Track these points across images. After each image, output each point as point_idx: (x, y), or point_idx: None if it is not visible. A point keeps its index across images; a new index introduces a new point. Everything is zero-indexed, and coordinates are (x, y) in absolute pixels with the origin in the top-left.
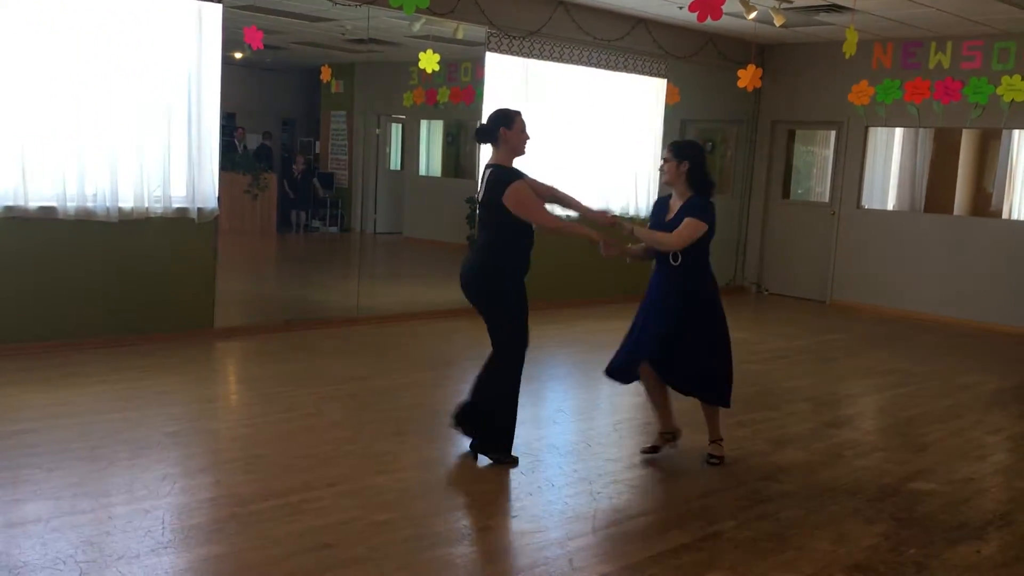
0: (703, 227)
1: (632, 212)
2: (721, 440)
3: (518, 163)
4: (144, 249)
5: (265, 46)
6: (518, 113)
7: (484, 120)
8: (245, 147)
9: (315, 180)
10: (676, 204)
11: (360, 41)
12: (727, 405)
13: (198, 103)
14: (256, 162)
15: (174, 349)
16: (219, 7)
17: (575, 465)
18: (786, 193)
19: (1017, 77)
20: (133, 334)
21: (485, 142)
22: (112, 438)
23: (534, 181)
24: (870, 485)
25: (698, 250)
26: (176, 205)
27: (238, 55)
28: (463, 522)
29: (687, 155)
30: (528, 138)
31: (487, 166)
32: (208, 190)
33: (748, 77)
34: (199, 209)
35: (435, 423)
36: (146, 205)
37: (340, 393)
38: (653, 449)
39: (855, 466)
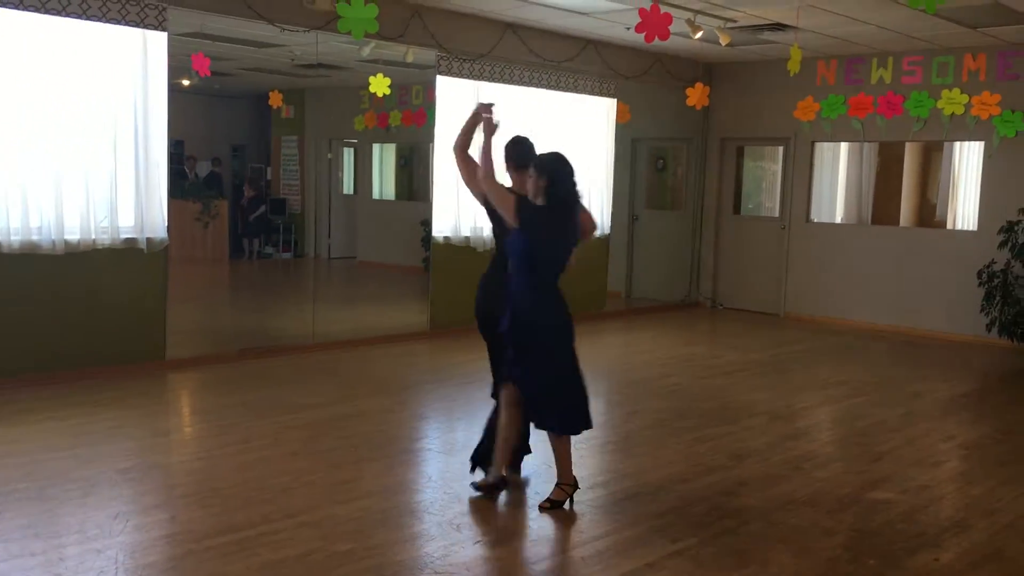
0: (508, 200)
1: None
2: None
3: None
4: (92, 281)
5: (213, 72)
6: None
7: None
8: (196, 174)
9: (264, 207)
10: None
11: (310, 66)
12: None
13: (145, 131)
14: (206, 189)
15: (125, 383)
16: (164, 35)
17: (538, 487)
18: (737, 208)
19: (956, 91)
20: (82, 368)
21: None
22: (62, 476)
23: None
24: (829, 496)
25: (520, 262)
26: (124, 236)
27: (186, 82)
28: (425, 549)
29: (547, 171)
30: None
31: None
32: (157, 219)
33: (696, 95)
34: (148, 239)
35: (394, 449)
36: (93, 236)
37: (297, 422)
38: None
39: (814, 478)
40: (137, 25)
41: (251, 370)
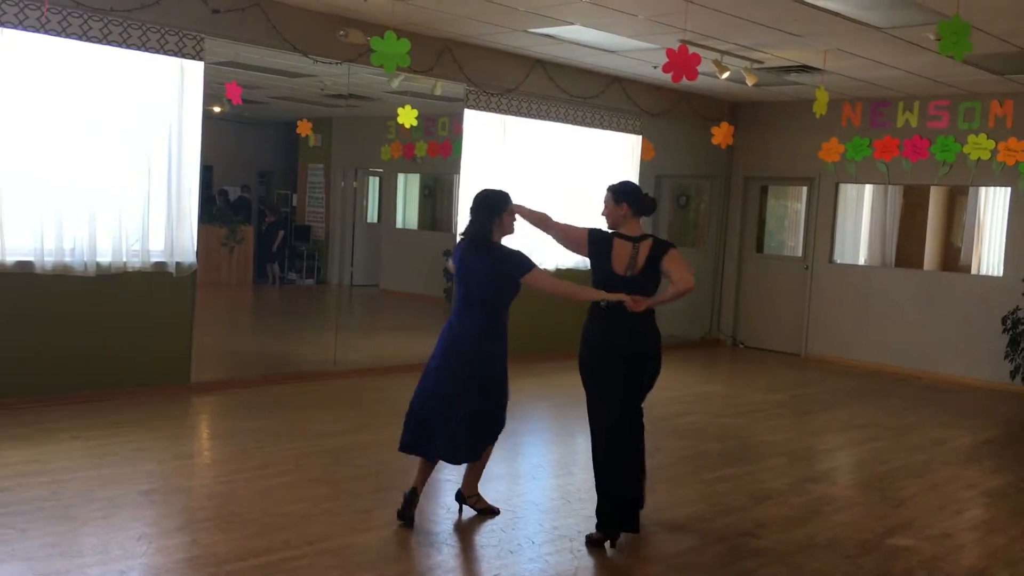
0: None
1: None
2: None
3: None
4: (121, 303)
5: (244, 100)
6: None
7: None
8: (227, 199)
9: (280, 232)
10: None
11: (339, 96)
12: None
13: (179, 158)
14: (234, 214)
15: (150, 404)
16: (201, 64)
17: (554, 522)
18: (759, 247)
19: (983, 136)
20: (108, 389)
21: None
22: (86, 496)
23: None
24: (849, 541)
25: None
26: (155, 259)
27: (217, 109)
28: None
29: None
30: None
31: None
32: (187, 244)
33: (721, 134)
34: (177, 264)
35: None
36: (124, 259)
37: (318, 449)
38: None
39: (834, 521)
40: (175, 55)
41: (273, 395)
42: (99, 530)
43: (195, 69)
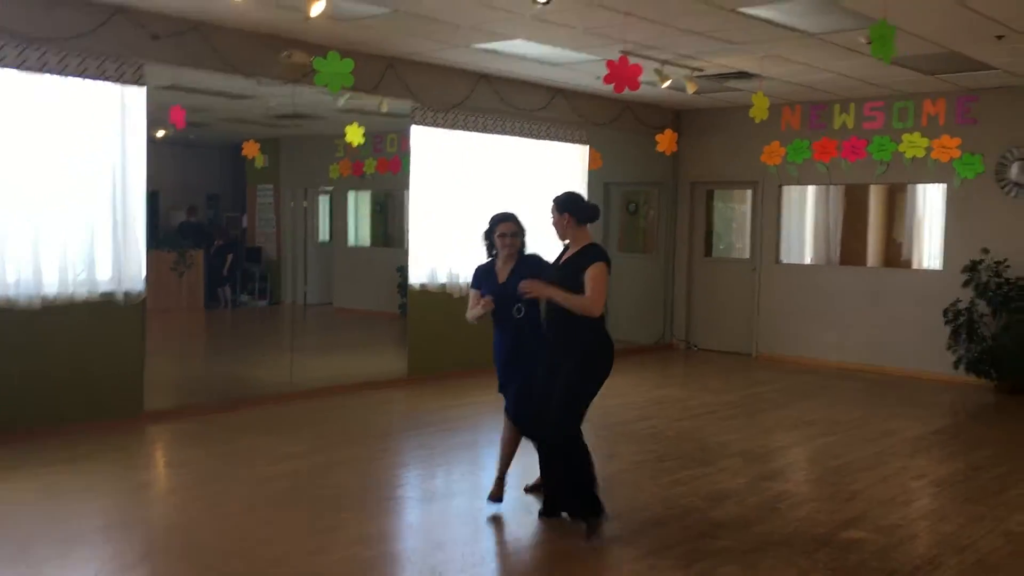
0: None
1: None
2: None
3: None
4: (69, 335)
5: (189, 124)
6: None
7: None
8: (182, 223)
9: (230, 255)
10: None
11: (286, 116)
12: None
13: (123, 185)
14: (181, 239)
15: (103, 437)
16: (142, 90)
17: (516, 533)
18: (708, 251)
19: (916, 134)
20: (60, 423)
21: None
22: (43, 536)
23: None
24: (804, 536)
25: None
26: (102, 289)
27: (161, 133)
28: None
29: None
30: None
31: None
32: (135, 272)
33: (666, 141)
34: (126, 292)
35: (375, 498)
36: (71, 291)
37: (277, 472)
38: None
39: (789, 518)
40: (116, 81)
41: (229, 421)
42: (56, 571)
43: (137, 95)
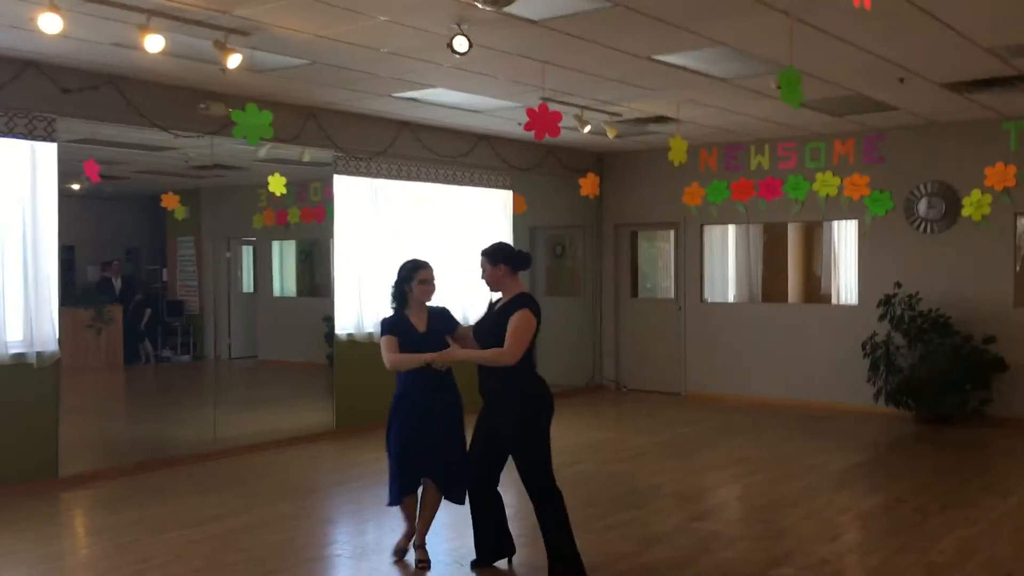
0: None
1: None
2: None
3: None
4: None
5: (105, 177)
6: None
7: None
8: (109, 280)
9: (148, 310)
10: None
11: (205, 167)
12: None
13: (35, 242)
14: (98, 295)
15: (15, 504)
16: (54, 145)
17: None
18: (635, 291)
19: (828, 173)
20: None
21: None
22: None
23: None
24: None
25: None
26: (13, 351)
27: (76, 186)
28: None
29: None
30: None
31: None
32: (48, 332)
33: (589, 185)
34: (38, 353)
35: (302, 558)
36: None
37: (201, 535)
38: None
39: (720, 558)
40: (25, 137)
41: (150, 483)
42: None
43: (48, 150)
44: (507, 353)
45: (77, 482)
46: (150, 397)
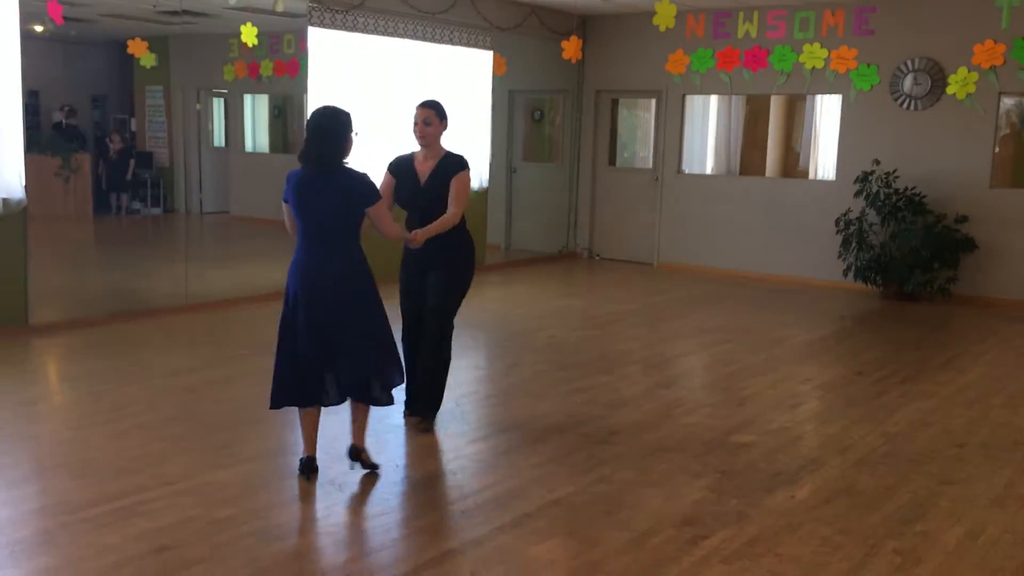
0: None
1: None
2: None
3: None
4: None
5: (69, 19)
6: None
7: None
8: (63, 124)
9: (132, 160)
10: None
11: (173, 13)
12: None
13: None
14: (66, 142)
15: None
16: None
17: (418, 439)
18: (612, 160)
19: (816, 45)
20: None
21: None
22: None
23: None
24: (696, 441)
25: None
26: None
27: (39, 28)
28: (310, 510)
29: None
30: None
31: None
32: (13, 179)
33: (571, 48)
34: (4, 200)
35: (275, 411)
36: None
37: (173, 386)
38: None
39: (683, 424)
40: None
41: (122, 334)
42: None
43: None
44: (457, 215)
45: (48, 331)
46: (121, 249)
